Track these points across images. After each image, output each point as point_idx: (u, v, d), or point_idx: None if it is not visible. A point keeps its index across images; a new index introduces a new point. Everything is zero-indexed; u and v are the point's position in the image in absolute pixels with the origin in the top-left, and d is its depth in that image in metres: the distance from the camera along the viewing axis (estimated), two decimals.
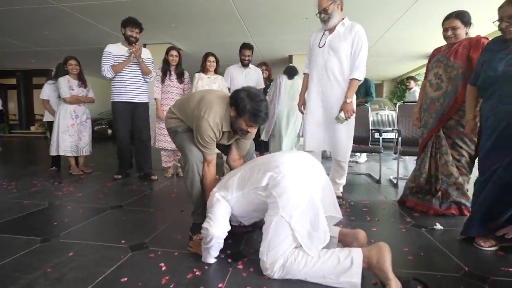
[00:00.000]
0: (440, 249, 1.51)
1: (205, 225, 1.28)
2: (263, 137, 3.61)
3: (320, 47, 2.21)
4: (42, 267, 1.29)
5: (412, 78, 5.79)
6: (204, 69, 3.25)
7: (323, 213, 1.20)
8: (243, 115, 1.43)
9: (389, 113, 6.19)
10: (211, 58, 3.21)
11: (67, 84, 3.37)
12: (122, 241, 1.57)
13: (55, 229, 1.74)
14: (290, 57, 7.31)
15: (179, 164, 3.39)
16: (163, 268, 1.29)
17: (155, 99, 3.19)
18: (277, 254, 1.15)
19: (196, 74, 3.27)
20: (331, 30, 2.19)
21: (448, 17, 1.96)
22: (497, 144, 1.42)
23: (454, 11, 1.96)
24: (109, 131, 8.60)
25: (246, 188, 1.29)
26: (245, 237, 1.62)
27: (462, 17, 1.91)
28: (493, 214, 1.47)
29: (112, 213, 2.04)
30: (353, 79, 2.12)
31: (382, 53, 6.92)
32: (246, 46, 3.33)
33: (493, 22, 1.47)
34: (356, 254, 1.09)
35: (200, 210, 1.62)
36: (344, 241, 1.30)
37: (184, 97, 1.78)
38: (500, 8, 1.41)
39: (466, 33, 1.96)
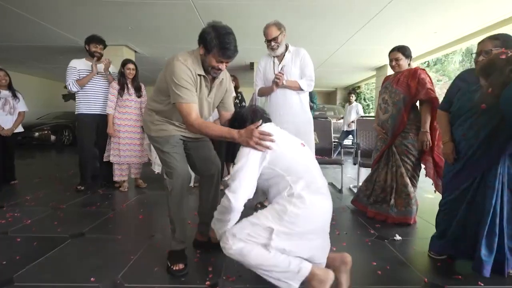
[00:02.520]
0: (402, 261, 1.69)
1: (228, 194, 1.19)
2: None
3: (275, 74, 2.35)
4: None
5: (354, 92, 6.23)
6: None
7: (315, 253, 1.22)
8: (211, 49, 1.38)
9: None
10: None
11: None
12: (92, 278, 1.44)
13: (5, 270, 1.53)
14: (252, 64, 7.40)
15: (137, 177, 3.34)
16: None
17: (107, 114, 3.07)
18: (241, 234, 1.16)
19: None
20: (279, 57, 2.40)
21: (392, 50, 2.33)
22: (467, 166, 1.57)
23: (397, 46, 2.33)
24: (53, 137, 7.74)
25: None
26: (226, 261, 1.61)
27: (404, 50, 2.29)
28: (468, 233, 1.58)
29: (73, 244, 1.85)
30: (297, 82, 2.32)
31: (336, 64, 7.38)
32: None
33: (471, 54, 1.67)
34: (306, 265, 1.16)
35: (181, 236, 1.56)
36: (332, 265, 1.31)
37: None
38: (480, 43, 1.56)
39: (409, 64, 2.32)
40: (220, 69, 1.46)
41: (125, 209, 2.58)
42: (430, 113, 2.18)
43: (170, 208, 1.55)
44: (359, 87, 10.96)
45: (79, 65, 3.05)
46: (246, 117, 1.41)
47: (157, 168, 3.38)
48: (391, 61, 2.33)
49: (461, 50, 11.47)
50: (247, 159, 1.22)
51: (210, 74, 1.49)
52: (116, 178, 3.18)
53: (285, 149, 1.27)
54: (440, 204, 1.76)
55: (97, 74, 3.09)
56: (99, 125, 3.15)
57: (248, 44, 5.68)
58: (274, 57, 2.40)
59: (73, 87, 3.00)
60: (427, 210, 2.53)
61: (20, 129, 3.56)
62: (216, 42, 1.35)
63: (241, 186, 1.18)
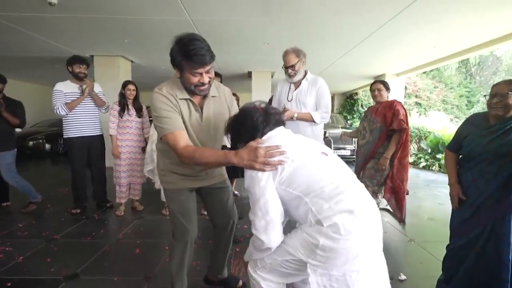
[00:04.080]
0: None
1: (259, 236, 1.02)
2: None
3: (288, 101, 2.32)
4: None
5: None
6: None
7: None
8: (181, 65, 1.20)
9: (341, 130, 6.60)
10: None
11: None
12: None
13: None
14: (250, 73, 7.35)
15: (135, 198, 3.28)
16: None
17: (110, 135, 3.02)
18: (274, 262, 1.07)
19: None
20: (296, 84, 2.33)
21: (375, 82, 2.62)
22: (477, 213, 1.53)
23: (379, 79, 2.69)
24: (47, 146, 7.61)
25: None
26: None
27: (385, 83, 2.61)
28: (475, 282, 1.54)
29: None
30: (310, 114, 2.25)
31: (335, 73, 7.36)
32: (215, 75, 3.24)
33: (484, 96, 1.64)
34: None
35: None
36: None
37: None
38: (495, 85, 1.53)
39: (387, 96, 2.58)
40: (203, 84, 1.24)
41: (122, 240, 2.50)
42: (398, 143, 2.42)
43: (171, 267, 1.49)
44: (356, 93, 10.97)
45: (65, 88, 2.96)
46: (257, 124, 1.11)
47: (157, 185, 3.27)
48: (373, 91, 2.57)
49: None
50: (259, 187, 1.00)
51: (197, 93, 1.29)
52: (117, 200, 3.15)
53: (300, 163, 1.01)
54: (448, 249, 1.72)
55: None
56: (90, 146, 3.11)
57: (246, 54, 5.65)
58: (291, 83, 2.35)
59: (61, 111, 2.89)
60: (431, 239, 2.50)
61: None
62: (181, 54, 1.18)
63: (268, 224, 1.00)
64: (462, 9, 3.31)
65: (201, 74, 1.22)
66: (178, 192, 1.44)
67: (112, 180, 3.20)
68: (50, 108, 3.11)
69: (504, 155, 1.44)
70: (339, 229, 0.92)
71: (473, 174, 1.55)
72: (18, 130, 3.52)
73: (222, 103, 1.43)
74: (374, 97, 2.59)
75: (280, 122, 1.17)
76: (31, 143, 7.36)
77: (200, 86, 1.26)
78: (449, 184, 1.70)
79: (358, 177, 2.48)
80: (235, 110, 1.45)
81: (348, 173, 1.07)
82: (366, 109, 3.12)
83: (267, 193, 0.99)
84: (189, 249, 1.47)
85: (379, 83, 2.60)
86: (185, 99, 1.30)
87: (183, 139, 1.22)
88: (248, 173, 1.04)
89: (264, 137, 1.10)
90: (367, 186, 2.39)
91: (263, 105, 1.20)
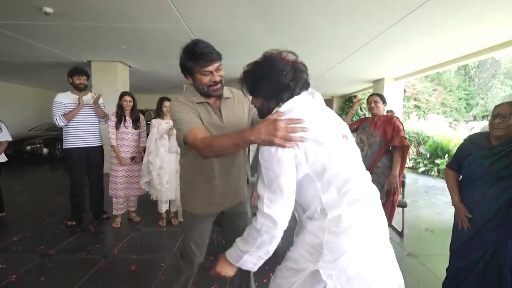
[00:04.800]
0: None
1: (268, 212, 0.87)
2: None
3: None
4: None
5: (391, 112, 5.78)
6: (160, 114, 3.08)
7: None
8: (191, 69, 1.23)
9: None
10: (167, 103, 3.08)
11: None
12: None
13: None
14: None
15: (131, 209, 3.27)
16: None
17: (112, 146, 3.04)
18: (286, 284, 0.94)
19: (153, 121, 3.09)
20: None
21: (372, 95, 2.63)
22: (478, 236, 1.51)
23: (376, 92, 2.74)
24: (45, 151, 7.57)
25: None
26: None
27: (382, 96, 2.60)
28: None
29: None
30: None
31: (334, 77, 7.33)
32: None
33: (485, 117, 1.62)
34: None
35: None
36: None
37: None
38: (498, 106, 1.52)
39: (384, 109, 2.59)
40: (216, 82, 1.25)
41: (117, 255, 2.47)
42: (402, 159, 2.39)
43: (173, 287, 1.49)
44: (355, 96, 10.95)
45: (64, 99, 2.99)
46: (284, 81, 0.95)
47: (154, 197, 3.24)
48: (370, 103, 2.57)
49: None
50: (280, 164, 0.88)
51: (212, 94, 1.29)
52: (114, 212, 3.13)
53: (321, 142, 0.90)
54: (448, 271, 1.70)
55: (84, 106, 3.03)
56: (90, 157, 3.11)
57: (244, 60, 5.54)
58: None
59: (60, 122, 2.93)
60: (430, 252, 2.49)
61: (3, 158, 3.44)
62: (189, 58, 1.22)
63: (286, 205, 0.88)
64: (461, 18, 3.29)
65: (211, 72, 1.24)
66: (198, 219, 1.41)
67: (109, 191, 3.17)
68: (48, 111, 3.15)
69: (506, 177, 1.43)
70: (342, 222, 0.87)
71: (475, 196, 1.53)
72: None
73: (238, 104, 1.42)
74: (370, 109, 2.58)
75: (307, 85, 1.02)
76: (28, 147, 7.33)
77: (213, 86, 1.26)
78: (453, 204, 1.68)
79: None
80: (253, 111, 1.41)
81: (360, 162, 1.02)
82: (362, 116, 3.07)
83: (287, 171, 0.88)
84: (194, 272, 1.49)
85: (375, 96, 2.59)
86: (202, 102, 1.30)
87: (200, 133, 1.19)
88: (266, 148, 0.91)
89: (284, 108, 0.95)
90: None
91: (291, 57, 1.00)
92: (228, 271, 0.99)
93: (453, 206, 1.68)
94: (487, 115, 2.31)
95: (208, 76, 1.24)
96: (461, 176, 1.70)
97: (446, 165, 1.78)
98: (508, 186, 1.41)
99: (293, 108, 0.94)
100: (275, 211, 0.87)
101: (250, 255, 0.93)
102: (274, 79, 0.95)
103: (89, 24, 3.63)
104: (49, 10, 3.14)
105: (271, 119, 0.91)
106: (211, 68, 1.23)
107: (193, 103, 1.28)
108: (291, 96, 0.97)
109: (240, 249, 0.94)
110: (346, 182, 0.91)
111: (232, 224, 1.48)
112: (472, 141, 1.63)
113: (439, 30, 3.75)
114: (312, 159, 0.89)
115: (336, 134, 0.96)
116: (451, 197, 1.70)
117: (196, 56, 1.20)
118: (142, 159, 3.14)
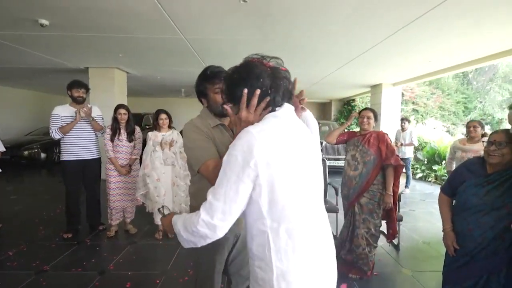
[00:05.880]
0: None
1: (215, 218, 0.84)
2: None
3: None
4: None
5: (407, 119, 5.44)
6: (157, 127, 3.09)
7: None
8: (204, 88, 1.31)
9: None
10: (163, 116, 3.10)
11: None
12: None
13: None
14: None
15: (128, 220, 3.28)
16: None
17: (109, 158, 3.08)
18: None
19: (149, 133, 3.11)
20: None
21: (365, 109, 2.54)
22: (472, 264, 1.51)
23: (369, 107, 2.63)
24: (43, 155, 7.55)
25: None
26: None
27: (375, 112, 2.54)
28: None
29: None
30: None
31: (332, 82, 7.34)
32: None
33: (482, 141, 1.61)
34: None
35: None
36: None
37: None
38: (494, 133, 1.52)
39: (373, 126, 2.52)
40: None
41: (112, 271, 2.47)
42: (397, 177, 2.40)
43: None
44: (354, 100, 10.97)
45: (62, 112, 3.01)
46: (261, 87, 0.89)
47: (150, 209, 3.23)
48: (362, 117, 2.50)
49: None
50: (240, 174, 0.83)
51: (226, 114, 1.22)
52: (109, 222, 3.18)
53: (283, 177, 0.84)
54: None
55: (82, 118, 3.04)
56: (86, 169, 3.14)
57: None
58: None
59: (56, 135, 2.95)
60: (425, 268, 2.49)
61: None
62: (201, 79, 1.33)
63: (229, 216, 0.85)
64: (459, 27, 3.29)
65: (221, 91, 1.23)
66: (215, 250, 1.31)
67: (106, 201, 3.20)
68: (45, 115, 3.16)
69: (500, 207, 1.43)
70: (290, 275, 0.84)
71: (469, 223, 1.53)
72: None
73: None
74: (361, 123, 2.50)
75: (288, 94, 0.94)
76: (26, 152, 7.30)
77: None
78: (443, 230, 1.69)
79: (350, 211, 2.45)
80: None
81: (321, 200, 0.96)
82: (348, 129, 2.88)
83: (245, 185, 0.83)
84: None
85: (369, 111, 2.52)
86: (217, 125, 1.32)
87: (213, 163, 1.16)
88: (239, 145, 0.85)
89: (256, 128, 0.86)
90: (368, 222, 2.39)
91: (272, 63, 0.94)
92: (167, 229, 1.03)
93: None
94: (483, 141, 2.33)
95: (220, 94, 1.24)
96: (454, 201, 1.71)
97: (440, 188, 1.78)
98: (502, 215, 1.42)
99: (262, 129, 0.86)
100: (216, 219, 0.84)
101: (183, 236, 0.93)
102: (250, 84, 0.89)
103: (85, 35, 3.63)
104: (45, 22, 3.14)
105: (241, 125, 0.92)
106: (221, 85, 1.21)
107: (209, 126, 1.30)
108: (270, 106, 0.91)
109: (179, 228, 0.94)
110: (302, 233, 0.87)
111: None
112: (466, 167, 1.63)
113: (436, 40, 3.76)
114: (267, 187, 0.83)
115: (305, 164, 0.91)
116: (443, 223, 1.70)
117: (208, 76, 1.31)
118: (130, 171, 3.15)
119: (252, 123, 0.90)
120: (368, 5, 2.72)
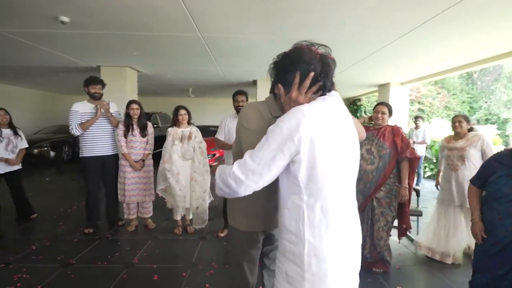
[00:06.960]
0: None
1: (245, 177, 0.89)
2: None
3: None
4: None
5: (420, 117, 5.46)
6: (176, 123, 3.11)
7: None
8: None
9: None
10: (183, 111, 3.13)
11: None
12: None
13: None
14: (255, 81, 7.36)
15: (146, 216, 3.30)
16: None
17: (123, 154, 3.10)
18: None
19: (169, 129, 3.14)
20: None
21: (380, 104, 2.56)
22: (504, 253, 1.54)
23: (385, 102, 2.64)
24: (52, 154, 7.59)
25: None
26: None
27: (390, 107, 2.53)
28: None
29: None
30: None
31: (339, 81, 7.30)
32: (240, 93, 3.11)
33: (488, 120, 1.63)
34: None
35: None
36: None
37: None
38: None
39: (388, 121, 2.54)
40: None
41: (138, 264, 2.50)
42: (413, 170, 2.41)
43: None
44: (359, 99, 10.98)
45: (81, 108, 3.05)
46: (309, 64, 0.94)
47: (169, 205, 3.25)
48: (377, 112, 2.50)
49: None
50: (280, 144, 0.87)
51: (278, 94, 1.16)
52: (125, 216, 3.22)
53: (324, 159, 0.88)
54: (470, 285, 1.73)
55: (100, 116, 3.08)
56: (105, 165, 3.18)
57: (251, 66, 5.69)
58: None
59: (76, 131, 2.99)
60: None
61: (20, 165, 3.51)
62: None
63: (260, 179, 0.89)
64: (468, 28, 3.31)
65: None
66: (250, 242, 1.27)
67: (119, 197, 3.25)
68: (54, 114, 3.16)
69: None
70: (322, 251, 0.88)
71: (499, 213, 1.57)
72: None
73: None
74: (376, 118, 2.50)
75: (332, 87, 0.99)
76: (36, 150, 7.34)
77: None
78: (472, 220, 1.72)
79: (369, 205, 2.44)
80: None
81: (353, 187, 0.99)
82: (364, 120, 2.84)
83: (283, 156, 0.87)
84: None
85: (384, 106, 2.50)
86: (278, 116, 1.09)
87: None
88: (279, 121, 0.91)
89: (309, 108, 0.92)
90: (386, 215, 2.41)
91: (321, 50, 0.98)
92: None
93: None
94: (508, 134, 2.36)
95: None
96: (484, 192, 1.73)
97: (470, 180, 1.81)
98: None
99: (313, 109, 0.90)
100: (245, 177, 0.89)
101: (217, 181, 0.99)
102: (301, 68, 0.93)
103: (104, 32, 3.66)
104: (66, 19, 3.17)
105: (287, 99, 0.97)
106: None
107: (270, 116, 1.12)
108: (321, 90, 0.95)
109: (216, 175, 0.99)
110: (334, 209, 0.90)
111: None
112: (497, 159, 1.66)
113: (446, 41, 3.78)
114: (308, 163, 0.87)
115: (344, 149, 0.93)
116: (472, 213, 1.75)
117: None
118: (143, 165, 3.18)
119: (301, 104, 0.93)
120: (385, 5, 2.74)
